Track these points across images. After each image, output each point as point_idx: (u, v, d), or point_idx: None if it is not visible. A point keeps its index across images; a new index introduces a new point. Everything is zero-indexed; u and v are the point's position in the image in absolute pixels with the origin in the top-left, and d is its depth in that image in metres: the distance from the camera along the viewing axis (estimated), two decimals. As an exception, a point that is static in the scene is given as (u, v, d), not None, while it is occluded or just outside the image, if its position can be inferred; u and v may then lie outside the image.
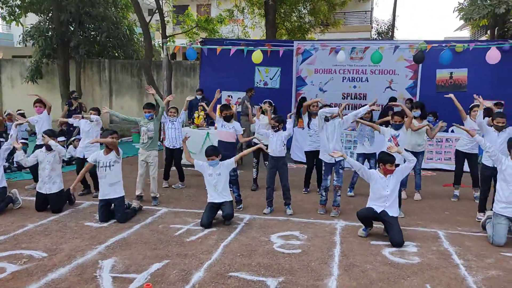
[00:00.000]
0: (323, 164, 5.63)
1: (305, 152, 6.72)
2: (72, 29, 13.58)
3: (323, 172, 5.63)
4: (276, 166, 5.50)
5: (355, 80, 11.09)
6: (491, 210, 4.68)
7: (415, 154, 6.39)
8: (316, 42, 11.54)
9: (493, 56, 7.72)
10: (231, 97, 11.51)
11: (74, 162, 7.82)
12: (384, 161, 4.52)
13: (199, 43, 10.74)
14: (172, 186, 6.79)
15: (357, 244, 4.36)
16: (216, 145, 5.73)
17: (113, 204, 5.03)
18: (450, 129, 9.04)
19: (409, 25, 57.42)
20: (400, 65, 10.65)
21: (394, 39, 16.72)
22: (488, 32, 13.22)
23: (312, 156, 6.38)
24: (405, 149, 6.44)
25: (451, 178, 6.57)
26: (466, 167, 6.35)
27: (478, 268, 3.80)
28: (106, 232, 4.61)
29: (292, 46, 10.67)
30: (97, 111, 6.35)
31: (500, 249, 4.27)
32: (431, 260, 3.96)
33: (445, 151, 8.85)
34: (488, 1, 10.05)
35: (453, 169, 7.79)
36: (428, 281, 3.51)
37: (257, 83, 11.37)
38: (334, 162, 5.45)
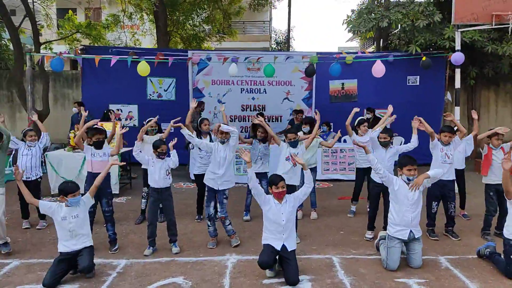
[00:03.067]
0: (206, 189, 5.06)
1: (195, 175, 6.11)
2: None
3: (205, 199, 5.06)
4: (160, 198, 4.77)
5: (253, 91, 10.83)
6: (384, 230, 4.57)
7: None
8: (211, 52, 11.05)
9: (378, 69, 7.98)
10: (121, 111, 10.43)
11: None
12: (271, 182, 4.10)
13: (79, 51, 9.54)
14: (37, 227, 5.58)
15: (247, 286, 3.84)
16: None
17: None
18: (342, 139, 9.22)
19: (306, 36, 60.72)
20: (295, 76, 10.65)
21: (291, 49, 17.08)
22: (375, 43, 14.07)
23: (202, 179, 5.78)
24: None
25: (347, 188, 6.51)
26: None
27: (372, 302, 3.55)
28: None
29: (187, 55, 10.06)
30: None
31: (394, 274, 4.10)
32: (326, 298, 3.62)
33: (340, 162, 8.95)
34: (373, 15, 10.53)
35: (349, 179, 7.85)
36: (321, 329, 3.12)
37: (150, 95, 10.47)
38: (217, 189, 4.92)
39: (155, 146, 4.73)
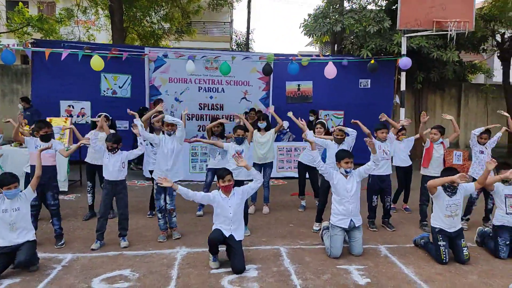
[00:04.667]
0: (154, 183, 5.06)
1: (150, 171, 6.07)
2: None
3: (154, 192, 5.05)
4: (114, 191, 4.71)
5: (211, 90, 10.87)
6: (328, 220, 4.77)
7: (264, 166, 6.35)
8: (169, 49, 10.97)
9: (330, 71, 8.29)
10: (73, 107, 10.12)
11: None
12: (219, 177, 4.20)
13: (29, 45, 9.17)
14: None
15: (195, 276, 3.90)
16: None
17: None
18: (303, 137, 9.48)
19: (267, 39, 61.38)
20: (253, 77, 10.82)
21: (250, 51, 17.26)
22: (330, 47, 14.54)
23: None
24: (254, 163, 6.40)
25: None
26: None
27: (314, 287, 3.71)
28: None
29: (143, 52, 9.95)
30: None
31: (336, 261, 4.31)
32: (270, 284, 3.74)
33: (294, 160, 9.18)
34: (328, 20, 10.90)
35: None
36: (264, 313, 3.23)
37: (104, 91, 10.22)
38: None
39: (106, 140, 4.69)
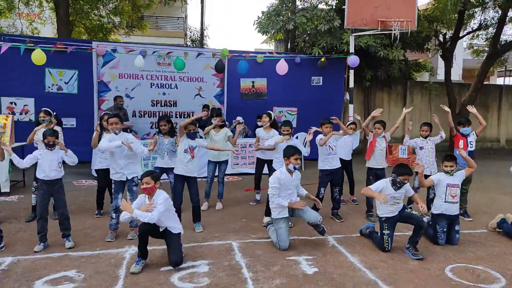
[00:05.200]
0: (112, 182, 4.94)
1: (96, 170, 5.88)
2: None
3: (113, 191, 4.93)
4: (51, 191, 4.51)
5: (164, 86, 10.67)
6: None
7: (219, 163, 6.35)
8: (118, 44, 10.64)
9: (282, 67, 8.41)
10: (15, 104, 9.56)
11: None
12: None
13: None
14: None
15: (144, 274, 3.84)
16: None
17: None
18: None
19: (222, 35, 61.15)
20: (207, 73, 10.75)
21: (204, 47, 17.13)
22: (284, 45, 14.76)
23: (104, 174, 5.59)
24: (209, 160, 6.38)
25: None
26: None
27: (264, 279, 3.78)
28: None
29: (91, 46, 9.57)
30: None
31: (286, 253, 4.41)
32: (221, 279, 3.76)
33: (249, 156, 9.26)
34: (281, 17, 11.05)
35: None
36: (213, 306, 3.25)
37: (49, 87, 9.74)
38: (125, 179, 4.85)
39: (43, 135, 4.47)
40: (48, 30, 14.03)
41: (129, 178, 4.85)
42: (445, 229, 4.81)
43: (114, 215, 4.82)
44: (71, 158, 4.59)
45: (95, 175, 6.58)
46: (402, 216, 4.59)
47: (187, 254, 4.29)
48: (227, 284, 3.65)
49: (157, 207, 3.89)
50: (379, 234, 4.65)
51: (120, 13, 13.02)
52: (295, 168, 4.64)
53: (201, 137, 5.88)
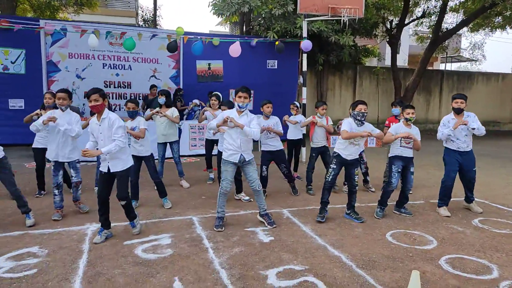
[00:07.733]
0: (52, 162, 4.89)
1: (33, 148, 5.80)
2: None
3: (52, 168, 4.86)
4: None
5: (117, 67, 10.49)
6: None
7: (170, 143, 6.44)
8: (68, 22, 10.25)
9: (235, 50, 8.57)
10: (-45, 84, 9.01)
11: None
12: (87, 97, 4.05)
13: None
14: None
15: (108, 247, 3.97)
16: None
17: None
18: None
19: (176, 16, 59.60)
20: (162, 54, 10.68)
21: (158, 27, 16.78)
22: (239, 28, 14.83)
23: (40, 153, 5.62)
24: (158, 143, 6.45)
25: (211, 161, 6.99)
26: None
27: (224, 248, 4.04)
28: None
29: (38, 25, 9.17)
30: None
31: (244, 225, 4.71)
32: (183, 249, 3.98)
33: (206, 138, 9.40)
34: (236, 0, 11.11)
35: (214, 153, 8.35)
36: (177, 273, 3.47)
37: (-6, 67, 9.26)
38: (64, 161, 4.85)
39: None
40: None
41: (69, 161, 4.86)
42: (399, 169, 5.16)
43: (57, 191, 4.81)
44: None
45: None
46: (347, 170, 4.98)
47: (149, 228, 4.45)
48: (189, 254, 3.88)
49: (119, 136, 3.98)
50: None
51: (68, -11, 12.44)
52: (240, 107, 4.59)
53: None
